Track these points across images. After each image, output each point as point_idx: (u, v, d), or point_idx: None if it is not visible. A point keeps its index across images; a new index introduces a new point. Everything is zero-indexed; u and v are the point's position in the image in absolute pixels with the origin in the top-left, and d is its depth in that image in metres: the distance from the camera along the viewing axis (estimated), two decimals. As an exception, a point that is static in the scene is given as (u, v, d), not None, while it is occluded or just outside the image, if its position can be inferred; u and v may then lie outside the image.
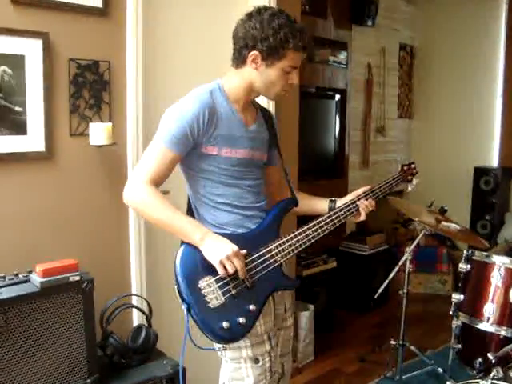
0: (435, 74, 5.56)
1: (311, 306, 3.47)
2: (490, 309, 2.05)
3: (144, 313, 2.29)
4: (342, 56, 4.66)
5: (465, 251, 2.21)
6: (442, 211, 2.81)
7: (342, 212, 1.89)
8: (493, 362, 2.15)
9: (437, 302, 4.67)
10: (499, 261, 2.06)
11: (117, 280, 2.41)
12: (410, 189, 2.66)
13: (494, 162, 5.21)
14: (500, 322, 2.06)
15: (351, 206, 1.90)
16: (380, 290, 2.95)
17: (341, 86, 4.66)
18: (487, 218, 4.94)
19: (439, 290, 4.75)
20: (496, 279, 2.05)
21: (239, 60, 1.74)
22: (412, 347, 3.14)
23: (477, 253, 2.16)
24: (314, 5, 4.35)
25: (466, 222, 5.08)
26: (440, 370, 3.07)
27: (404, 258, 2.86)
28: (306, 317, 3.39)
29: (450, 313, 2.22)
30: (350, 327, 4.15)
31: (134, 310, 2.42)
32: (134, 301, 2.40)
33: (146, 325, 2.26)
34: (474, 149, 5.30)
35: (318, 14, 4.41)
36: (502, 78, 5.13)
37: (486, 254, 2.13)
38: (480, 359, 2.23)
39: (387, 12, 5.23)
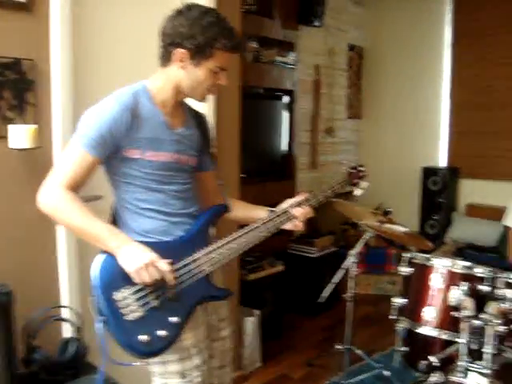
0: (384, 75, 5.58)
1: (256, 312, 3.39)
2: (430, 312, 2.01)
3: (73, 325, 2.17)
4: (290, 56, 4.60)
5: (404, 254, 2.16)
6: (386, 213, 2.77)
7: (279, 219, 1.81)
8: (435, 364, 2.12)
9: (386, 303, 4.59)
10: (438, 264, 2.03)
11: (44, 292, 2.28)
12: (357, 193, 2.61)
13: (441, 162, 5.24)
14: (440, 326, 2.02)
15: (287, 214, 1.82)
16: (324, 295, 2.88)
17: (288, 86, 4.60)
18: (435, 217, 4.97)
19: (389, 290, 4.73)
20: (435, 282, 2.01)
21: (166, 58, 1.66)
22: (358, 351, 3.10)
23: (417, 256, 2.11)
24: (261, 4, 4.28)
25: (415, 222, 5.11)
26: (386, 373, 3.05)
27: (348, 262, 2.80)
28: (251, 322, 3.31)
29: (392, 317, 2.17)
30: (299, 331, 4.09)
31: (65, 323, 2.29)
32: (65, 312, 2.27)
33: (76, 337, 2.14)
34: (421, 149, 5.33)
35: (265, 13, 4.34)
36: (448, 79, 5.16)
37: (426, 256, 2.09)
38: (424, 361, 2.20)
39: (335, 13, 5.21)
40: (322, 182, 5.12)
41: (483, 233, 4.41)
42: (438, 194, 4.93)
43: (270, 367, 3.48)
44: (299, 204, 1.84)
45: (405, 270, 2.13)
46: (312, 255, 4.28)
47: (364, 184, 2.59)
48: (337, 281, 2.87)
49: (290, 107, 4.65)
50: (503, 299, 1.88)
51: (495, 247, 4.23)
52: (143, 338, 1.48)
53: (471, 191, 5.06)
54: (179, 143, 1.69)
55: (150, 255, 1.51)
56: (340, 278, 2.86)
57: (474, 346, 1.95)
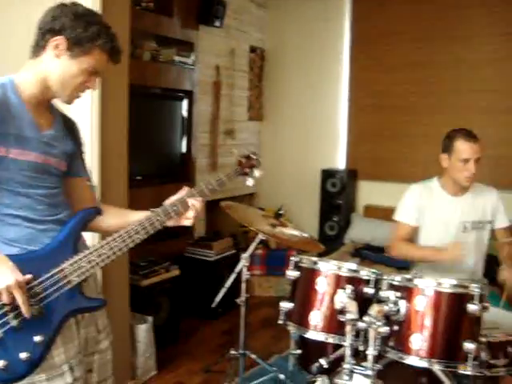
0: (285, 77, 5.61)
1: (149, 318, 3.27)
2: (317, 317, 1.98)
3: None
4: (189, 56, 4.52)
5: (292, 258, 2.13)
6: (278, 216, 2.74)
7: (159, 217, 1.72)
8: (325, 366, 2.11)
9: (287, 304, 4.66)
10: (324, 267, 2.01)
11: None
12: (249, 183, 2.53)
13: (340, 164, 5.34)
14: (327, 330, 2.00)
15: (171, 209, 1.73)
16: (216, 299, 2.82)
17: (188, 87, 4.52)
18: (334, 219, 5.05)
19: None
20: (321, 286, 1.99)
21: (39, 46, 1.55)
22: (253, 355, 3.05)
23: (303, 259, 2.09)
24: (159, 2, 4.18)
25: (315, 224, 5.17)
26: (281, 376, 3.03)
27: (240, 265, 2.76)
28: (143, 330, 3.18)
29: (280, 322, 2.13)
30: (198, 336, 4.01)
31: None
32: None
33: None
34: (321, 151, 5.41)
35: (163, 11, 4.25)
36: (347, 82, 5.27)
37: (313, 260, 2.07)
38: (317, 364, 2.18)
39: (237, 14, 5.18)
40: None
41: (380, 233, 4.52)
42: (336, 195, 5.01)
43: (165, 375, 3.38)
44: (184, 199, 1.76)
45: (292, 273, 2.10)
46: (209, 258, 4.22)
47: (257, 173, 2.53)
48: (229, 285, 2.80)
49: (190, 108, 4.56)
50: (386, 301, 1.89)
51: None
52: (1, 363, 1.34)
53: (369, 193, 5.20)
54: (47, 145, 1.57)
55: (15, 276, 1.38)
56: (232, 281, 2.80)
57: (360, 348, 1.96)
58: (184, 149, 4.53)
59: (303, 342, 2.56)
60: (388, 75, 5.02)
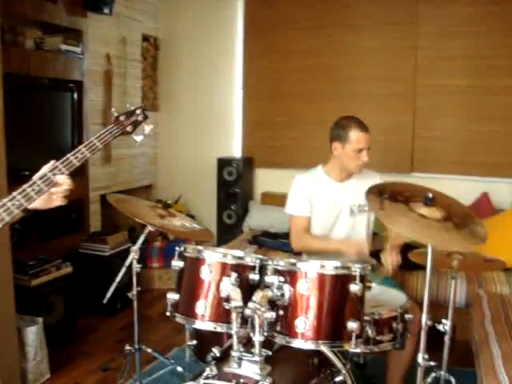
0: (180, 67, 5.53)
1: (39, 320, 3.12)
2: (203, 306, 1.95)
3: None
4: (77, 45, 4.33)
5: (177, 247, 2.09)
6: (166, 206, 2.68)
7: (18, 198, 1.55)
8: (218, 356, 2.09)
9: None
10: (209, 256, 1.98)
11: None
12: (137, 139, 2.40)
13: (236, 152, 5.34)
14: (215, 319, 1.98)
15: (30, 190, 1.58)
16: (108, 295, 2.73)
17: (77, 77, 4.33)
18: (232, 207, 5.04)
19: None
20: (206, 275, 1.96)
21: None
22: (148, 349, 2.99)
23: (189, 249, 2.05)
24: (41, -14, 3.96)
25: (213, 213, 5.15)
26: (179, 368, 2.99)
27: (130, 258, 2.68)
28: (33, 332, 3.03)
29: (167, 314, 2.09)
30: (96, 334, 3.89)
31: None
32: None
33: None
34: (217, 140, 5.39)
35: (46, -4, 4.04)
36: (241, 71, 5.26)
37: (198, 249, 2.03)
38: (211, 354, 2.15)
39: (128, 1, 5.04)
40: (118, 177, 4.94)
41: (277, 219, 4.56)
42: (233, 184, 5.01)
43: (60, 377, 3.24)
44: (47, 176, 1.62)
45: (176, 264, 2.05)
46: (104, 253, 4.09)
47: (147, 128, 2.39)
48: (119, 279, 2.72)
49: (80, 99, 4.38)
50: (271, 286, 1.89)
51: (287, 233, 4.40)
52: None
53: (266, 180, 5.26)
54: None
55: None
56: (123, 276, 2.72)
57: (250, 336, 1.95)
58: (75, 141, 4.35)
59: (199, 333, 2.54)
60: (281, 63, 5.08)
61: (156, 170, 5.66)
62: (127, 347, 2.91)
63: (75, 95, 4.35)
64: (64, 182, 1.64)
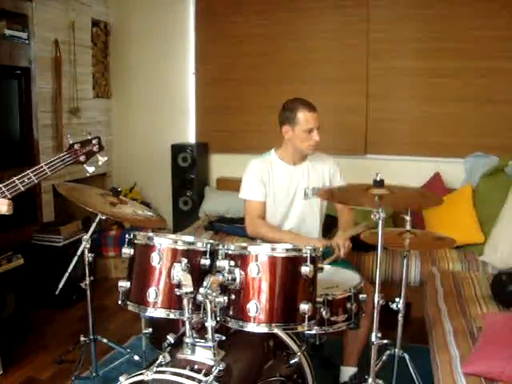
0: (132, 52, 5.41)
1: (-12, 315, 3.04)
2: (154, 294, 1.92)
3: None
4: (23, 30, 4.18)
5: (127, 235, 2.05)
6: (116, 193, 2.63)
7: None
8: (173, 342, 2.07)
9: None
10: (159, 242, 1.95)
11: None
12: (89, 170, 2.39)
13: (191, 138, 5.29)
14: (167, 306, 1.95)
15: None
16: (60, 286, 2.67)
17: (23, 63, 4.18)
18: (188, 194, 4.99)
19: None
20: (157, 262, 1.93)
21: None
22: (104, 339, 2.95)
23: (138, 236, 2.01)
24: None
25: (168, 200, 5.10)
26: (136, 357, 2.96)
27: (82, 247, 2.62)
28: (-19, 328, 2.95)
29: (119, 302, 2.05)
30: (51, 327, 3.80)
31: None
32: None
33: None
34: (171, 126, 5.31)
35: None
36: (193, 55, 5.19)
37: (147, 235, 2.00)
38: (167, 341, 2.13)
39: (75, -15, 4.89)
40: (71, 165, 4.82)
41: (233, 204, 4.54)
42: (188, 170, 4.95)
43: (13, 373, 3.15)
44: None
45: (126, 251, 2.01)
46: (57, 244, 4.00)
47: (101, 159, 2.39)
48: (71, 269, 2.66)
49: (27, 86, 4.24)
50: (222, 271, 1.88)
51: (243, 218, 4.39)
52: None
53: (221, 165, 5.22)
54: None
55: None
56: (76, 265, 2.66)
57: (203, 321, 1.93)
58: (23, 130, 4.22)
59: (154, 321, 2.52)
60: (234, 47, 5.02)
61: (110, 158, 5.55)
62: (82, 338, 2.87)
63: (22, 83, 4.21)
64: (3, 209, 1.62)
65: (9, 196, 1.62)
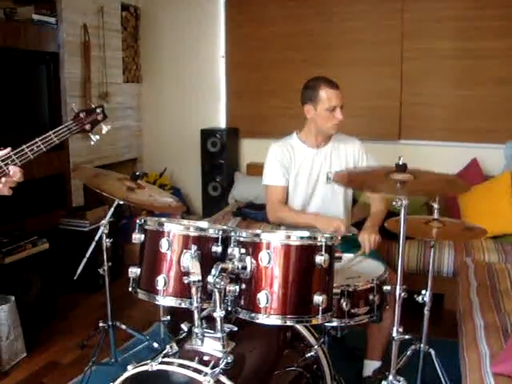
0: (162, 37, 5.37)
1: (12, 298, 3.03)
2: (163, 281, 1.85)
3: None
4: (51, 15, 4.16)
5: (138, 220, 1.98)
6: (135, 177, 2.57)
7: None
8: (186, 331, 2.01)
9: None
10: (170, 228, 1.87)
11: None
12: (94, 138, 2.34)
13: (221, 123, 5.21)
14: (177, 295, 1.88)
15: None
16: (78, 272, 2.64)
17: (52, 48, 4.18)
18: (217, 179, 4.93)
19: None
20: (166, 248, 1.85)
21: None
22: (123, 326, 2.91)
23: (149, 221, 1.94)
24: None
25: (198, 185, 5.05)
26: (155, 344, 2.92)
27: (100, 233, 2.58)
28: (5, 311, 2.94)
29: (130, 289, 1.99)
30: (77, 311, 3.82)
31: None
32: None
33: None
34: (201, 111, 5.25)
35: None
36: (223, 39, 5.10)
37: (158, 221, 1.93)
38: (182, 328, 2.07)
39: (104, -31, 4.85)
40: (100, 150, 4.82)
41: (262, 191, 4.42)
42: (218, 155, 4.88)
43: (37, 356, 3.18)
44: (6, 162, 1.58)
45: (137, 237, 1.95)
46: (84, 229, 4.00)
47: (104, 128, 2.33)
48: (88, 254, 2.62)
49: (56, 72, 4.24)
50: (233, 258, 1.79)
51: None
52: None
53: (251, 150, 5.13)
54: None
55: None
56: (91, 251, 2.62)
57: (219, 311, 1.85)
58: (52, 115, 4.21)
59: (172, 308, 2.46)
60: (264, 30, 4.93)
61: (140, 143, 5.53)
62: (101, 324, 2.84)
63: (51, 68, 4.20)
64: (15, 174, 1.62)
65: (19, 164, 1.63)
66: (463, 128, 4.36)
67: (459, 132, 4.37)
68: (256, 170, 4.82)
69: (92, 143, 2.17)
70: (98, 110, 2.02)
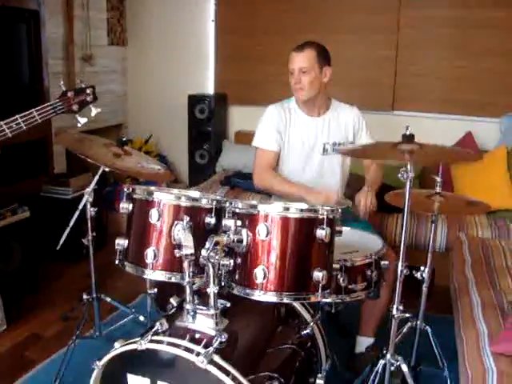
0: (149, -2, 5.14)
1: (-10, 268, 2.91)
2: (153, 254, 1.74)
3: None
4: (31, -30, 3.94)
5: (125, 188, 1.85)
6: (121, 143, 2.43)
7: None
8: (175, 305, 1.91)
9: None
10: (161, 197, 1.75)
11: None
12: (81, 121, 2.26)
13: (209, 89, 5.04)
14: (167, 268, 1.77)
15: None
16: (61, 241, 2.51)
17: (32, 6, 3.94)
18: (205, 147, 4.78)
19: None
20: (156, 219, 1.74)
21: None
22: (107, 298, 2.80)
23: (138, 190, 1.81)
24: None
25: (185, 153, 4.91)
26: (141, 317, 2.83)
27: (84, 201, 2.45)
28: (-16, 281, 2.83)
29: (116, 262, 1.88)
30: (60, 282, 3.70)
31: None
32: None
33: None
34: (189, 76, 5.06)
35: None
36: (213, 2, 4.89)
37: (147, 190, 1.81)
38: (169, 305, 1.98)
39: None
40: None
41: (251, 160, 4.30)
42: (205, 122, 4.72)
43: (17, 328, 3.06)
44: None
45: (124, 206, 1.82)
46: (66, 196, 3.85)
47: (93, 110, 2.25)
48: (72, 224, 2.49)
49: (36, 31, 4.02)
50: (228, 231, 1.68)
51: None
52: None
53: (240, 118, 4.99)
54: None
55: None
56: (75, 219, 2.49)
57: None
58: (33, 78, 4.01)
59: (159, 281, 2.35)
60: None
61: (125, 109, 5.35)
62: (85, 296, 2.72)
63: (31, 27, 3.98)
64: None
65: None
66: (459, 100, 4.25)
67: (454, 104, 4.26)
68: (245, 138, 4.71)
69: (79, 125, 2.04)
70: (88, 91, 1.89)
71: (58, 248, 2.55)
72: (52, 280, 3.69)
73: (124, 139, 2.43)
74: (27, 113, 1.61)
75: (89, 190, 2.43)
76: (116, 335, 2.77)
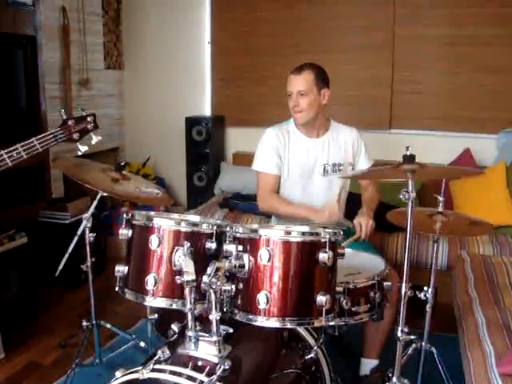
0: (145, 21, 5.16)
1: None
2: (153, 281, 1.71)
3: None
4: (27, -4, 3.96)
5: (124, 214, 1.83)
6: (119, 168, 2.41)
7: None
8: (177, 332, 1.88)
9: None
10: (160, 223, 1.73)
11: None
12: (81, 149, 2.24)
13: (206, 111, 5.05)
14: (168, 295, 1.74)
15: None
16: (60, 268, 2.48)
17: (29, 32, 3.97)
18: (203, 169, 4.77)
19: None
20: (156, 245, 1.71)
21: None
22: (107, 325, 2.77)
23: (137, 215, 1.79)
24: None
25: (183, 175, 4.90)
26: (142, 343, 2.79)
27: (82, 226, 2.43)
28: (-20, 310, 2.79)
29: (116, 289, 1.85)
30: (60, 307, 3.65)
31: None
32: None
33: None
34: (186, 99, 5.08)
35: None
36: (209, 24, 4.92)
37: (146, 215, 1.79)
38: (171, 331, 1.94)
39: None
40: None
41: (249, 181, 4.27)
42: (203, 144, 4.72)
43: (16, 357, 3.00)
44: None
45: (124, 232, 1.80)
46: (64, 221, 3.82)
47: (94, 139, 2.24)
48: (71, 250, 2.46)
49: (33, 56, 4.04)
50: (230, 256, 1.66)
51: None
52: None
53: (237, 140, 4.99)
54: None
55: None
56: (74, 245, 2.46)
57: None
58: (29, 103, 4.02)
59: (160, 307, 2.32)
60: (251, 15, 4.76)
61: (122, 132, 5.35)
62: (84, 323, 2.69)
63: (28, 52, 4.00)
64: None
65: None
66: (456, 117, 4.26)
67: (452, 121, 4.27)
68: (243, 159, 4.70)
69: (79, 153, 2.02)
70: (89, 119, 1.87)
71: (56, 275, 2.50)
72: (51, 306, 3.64)
73: (122, 163, 2.41)
74: (28, 142, 1.60)
75: (87, 215, 2.42)
76: (117, 362, 2.74)
